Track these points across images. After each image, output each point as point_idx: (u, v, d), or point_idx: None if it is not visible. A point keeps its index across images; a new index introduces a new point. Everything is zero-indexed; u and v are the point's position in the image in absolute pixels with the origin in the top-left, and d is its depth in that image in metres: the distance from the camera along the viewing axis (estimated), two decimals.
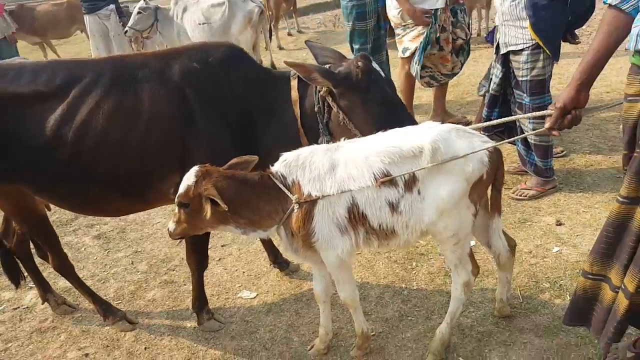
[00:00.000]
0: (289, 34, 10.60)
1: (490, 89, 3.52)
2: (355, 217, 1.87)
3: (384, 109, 2.03)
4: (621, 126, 1.78)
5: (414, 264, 2.86)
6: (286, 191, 1.89)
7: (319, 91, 2.08)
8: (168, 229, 1.97)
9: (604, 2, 1.72)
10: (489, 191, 2.05)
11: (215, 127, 2.13)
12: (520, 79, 3.21)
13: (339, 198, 1.85)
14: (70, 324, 2.71)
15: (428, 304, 2.54)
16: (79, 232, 3.67)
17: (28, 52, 10.83)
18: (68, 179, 2.14)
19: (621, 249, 1.65)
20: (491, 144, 1.90)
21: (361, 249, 2.07)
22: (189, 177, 1.85)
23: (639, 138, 1.60)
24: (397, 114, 2.08)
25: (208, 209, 1.82)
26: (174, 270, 3.09)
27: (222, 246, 3.28)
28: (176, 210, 1.92)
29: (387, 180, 1.81)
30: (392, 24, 4.37)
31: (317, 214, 1.87)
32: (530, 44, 3.09)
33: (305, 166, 1.89)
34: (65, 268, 2.56)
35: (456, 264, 2.02)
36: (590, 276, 1.78)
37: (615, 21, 1.67)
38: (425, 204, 1.86)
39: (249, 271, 2.99)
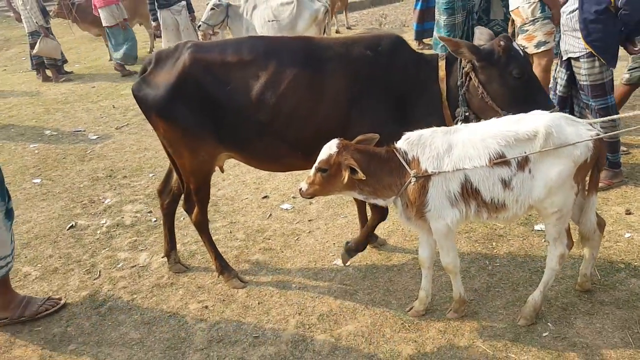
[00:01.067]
0: (337, 32, 10.80)
1: (557, 91, 3.76)
2: (469, 192, 2.14)
3: (520, 83, 2.29)
4: None
5: (494, 244, 3.11)
6: (406, 166, 2.17)
7: (464, 67, 2.36)
8: (300, 189, 2.28)
9: None
10: None
11: (378, 103, 2.48)
12: (581, 83, 3.46)
13: (454, 175, 2.12)
14: (186, 281, 3.06)
15: (512, 278, 2.79)
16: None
17: (87, 42, 11.43)
18: (263, 136, 2.53)
19: None
20: (595, 132, 2.15)
21: (470, 220, 2.33)
22: (331, 147, 2.16)
23: None
24: (533, 88, 2.33)
25: (346, 176, 2.13)
26: (269, 239, 3.41)
27: (309, 220, 3.60)
28: (312, 174, 2.22)
29: (500, 161, 2.06)
30: (518, 20, 4.21)
31: (432, 187, 2.15)
32: (585, 52, 3.33)
33: (425, 145, 2.17)
34: (204, 224, 2.93)
35: (555, 237, 2.28)
36: None
37: None
38: (536, 182, 2.11)
39: (339, 243, 3.29)
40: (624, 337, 2.32)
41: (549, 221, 2.26)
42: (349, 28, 11.55)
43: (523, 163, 2.10)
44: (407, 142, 2.21)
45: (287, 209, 3.78)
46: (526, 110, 2.16)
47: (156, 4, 7.48)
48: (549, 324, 2.44)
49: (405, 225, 2.51)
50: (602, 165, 2.31)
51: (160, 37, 8.04)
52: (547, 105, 2.23)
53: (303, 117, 2.48)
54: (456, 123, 2.39)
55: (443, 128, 2.24)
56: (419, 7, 7.68)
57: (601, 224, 2.44)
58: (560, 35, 3.73)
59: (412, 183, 2.16)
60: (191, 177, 2.73)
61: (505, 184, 2.11)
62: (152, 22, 7.93)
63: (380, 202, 2.33)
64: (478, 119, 2.40)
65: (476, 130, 2.17)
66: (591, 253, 2.49)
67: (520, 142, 2.08)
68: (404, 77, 2.51)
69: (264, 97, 2.44)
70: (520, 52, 2.35)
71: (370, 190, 2.26)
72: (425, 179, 2.15)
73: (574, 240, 2.43)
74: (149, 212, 3.93)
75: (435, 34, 5.07)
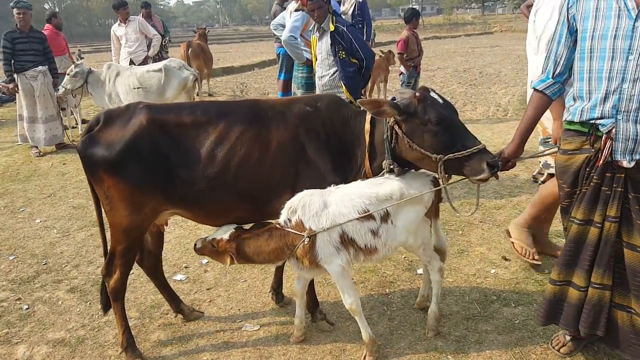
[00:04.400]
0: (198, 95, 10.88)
1: None
2: (346, 241, 2.52)
3: (442, 128, 2.46)
4: (556, 172, 2.51)
5: (387, 290, 3.39)
6: (294, 232, 2.51)
7: (388, 122, 2.58)
8: (195, 245, 2.66)
9: (533, 87, 2.48)
10: None
11: (321, 156, 2.63)
12: None
13: (333, 229, 2.49)
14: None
15: (410, 319, 3.06)
16: (48, 288, 3.60)
17: None
18: (210, 190, 2.57)
19: (581, 258, 2.34)
20: (432, 177, 2.67)
21: (352, 263, 2.61)
22: (225, 233, 2.57)
23: (583, 178, 2.30)
24: (456, 130, 2.51)
25: (228, 261, 2.59)
26: (167, 313, 3.22)
27: (207, 289, 3.50)
28: (205, 242, 2.63)
29: (366, 216, 2.49)
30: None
31: (318, 241, 2.50)
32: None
33: (305, 207, 2.50)
34: (121, 292, 2.80)
35: (428, 260, 2.82)
36: (558, 283, 2.45)
37: (541, 101, 2.45)
38: (398, 229, 2.59)
39: (244, 308, 3.26)
40: (510, 358, 2.69)
41: (418, 252, 2.82)
42: (210, 95, 11.71)
43: (385, 216, 2.55)
44: (289, 210, 2.53)
45: (181, 280, 3.64)
46: (455, 150, 2.43)
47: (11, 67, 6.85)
48: (449, 356, 2.72)
49: (302, 275, 2.70)
50: (440, 199, 2.79)
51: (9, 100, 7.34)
52: (473, 144, 2.44)
53: (252, 171, 2.60)
54: (382, 174, 2.62)
55: (319, 190, 2.55)
56: (282, 77, 8.21)
57: (443, 253, 2.93)
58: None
59: (306, 243, 2.49)
60: (124, 236, 2.64)
61: (374, 233, 2.54)
62: (7, 84, 7.15)
63: (276, 264, 2.77)
64: (402, 170, 2.63)
65: (346, 191, 2.55)
66: (430, 275, 2.91)
67: (381, 200, 2.52)
68: (341, 131, 2.72)
69: (215, 153, 2.55)
70: (438, 99, 2.52)
71: (263, 259, 2.62)
72: (309, 237, 2.49)
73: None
74: (17, 300, 3.44)
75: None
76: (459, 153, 2.42)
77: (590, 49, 2.18)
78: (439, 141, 2.44)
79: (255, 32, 54.11)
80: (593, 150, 2.26)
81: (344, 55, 4.38)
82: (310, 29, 4.83)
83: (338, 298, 2.99)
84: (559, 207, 2.55)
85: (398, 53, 7.04)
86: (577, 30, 2.26)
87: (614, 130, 2.16)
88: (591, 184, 2.27)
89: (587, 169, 2.28)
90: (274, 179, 2.64)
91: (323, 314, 3.06)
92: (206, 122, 2.61)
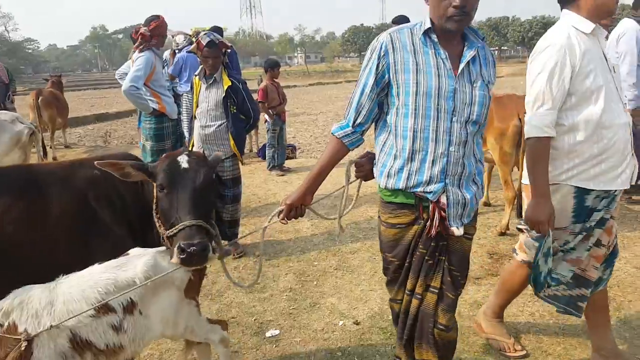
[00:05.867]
0: (54, 158, 9.60)
1: None
2: (81, 345, 1.98)
3: (164, 195, 2.13)
4: (381, 245, 2.31)
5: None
6: (7, 336, 1.90)
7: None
8: None
9: (332, 132, 2.23)
10: None
11: (117, 224, 2.28)
12: (225, 177, 4.51)
13: (60, 332, 1.94)
14: None
15: None
16: None
17: None
18: None
19: (409, 329, 2.24)
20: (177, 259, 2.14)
21: None
22: None
23: (413, 249, 2.16)
24: (177, 201, 2.11)
25: None
26: None
27: None
28: None
29: (103, 310, 1.98)
30: None
31: (36, 349, 1.91)
32: (231, 154, 4.50)
33: (23, 306, 1.95)
34: None
35: (206, 337, 2.41)
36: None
37: (337, 147, 2.21)
38: (151, 319, 2.13)
39: None
40: None
41: (189, 337, 2.37)
42: (67, 147, 10.75)
43: (130, 307, 2.08)
44: (2, 312, 1.95)
45: None
46: (171, 224, 2.10)
47: None
48: None
49: None
50: (204, 274, 2.47)
51: None
52: (186, 218, 2.05)
53: (28, 252, 2.19)
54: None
55: (43, 285, 2.05)
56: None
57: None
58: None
59: (22, 349, 1.87)
60: None
61: (117, 328, 2.04)
62: None
63: None
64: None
65: (77, 281, 2.07)
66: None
67: (121, 287, 2.04)
68: (140, 192, 2.40)
69: None
70: (182, 164, 2.17)
71: None
72: (27, 341, 1.89)
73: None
74: None
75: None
76: (171, 230, 2.07)
77: (415, 105, 2.01)
78: (162, 211, 2.15)
79: None
80: (423, 220, 2.12)
81: (234, 111, 4.46)
82: (196, 72, 4.63)
83: None
84: (385, 281, 2.36)
85: (259, 102, 7.01)
86: (388, 82, 2.06)
87: (443, 196, 2.05)
88: (417, 254, 2.16)
89: (417, 239, 2.15)
90: (59, 258, 2.25)
91: None
92: None
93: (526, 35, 62.72)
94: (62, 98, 10.37)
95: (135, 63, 5.00)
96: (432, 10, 2.02)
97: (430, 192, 2.06)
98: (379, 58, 2.06)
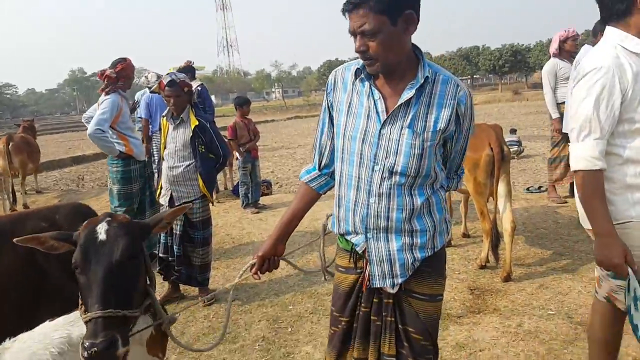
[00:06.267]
0: (25, 205, 8.92)
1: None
2: None
3: (79, 275, 1.80)
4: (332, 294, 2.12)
5: None
6: None
7: None
8: None
9: (299, 177, 2.17)
10: None
11: (68, 281, 2.03)
12: (194, 220, 4.39)
13: None
14: None
15: None
16: None
17: None
18: None
19: None
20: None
21: None
22: None
23: (354, 304, 1.94)
24: (90, 284, 1.76)
25: None
26: None
27: None
28: None
29: None
30: None
31: None
32: (200, 195, 4.36)
33: None
34: None
35: None
36: None
37: (306, 193, 2.09)
38: None
39: None
40: None
41: None
42: (39, 192, 10.48)
43: None
44: None
45: None
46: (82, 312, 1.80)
47: None
48: None
49: None
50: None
51: None
52: (93, 309, 1.68)
53: None
54: None
55: None
56: None
57: None
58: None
59: None
60: None
61: None
62: None
63: None
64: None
65: (27, 342, 1.81)
66: None
67: (75, 345, 1.78)
68: None
69: None
70: (99, 235, 1.80)
71: None
72: None
73: None
74: None
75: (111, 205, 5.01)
76: (84, 317, 1.71)
77: (342, 149, 1.88)
78: (80, 291, 1.80)
79: None
80: (359, 270, 1.94)
81: (203, 150, 4.33)
82: (164, 113, 4.53)
83: None
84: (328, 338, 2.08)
85: (228, 139, 6.89)
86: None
87: (366, 250, 1.87)
88: (360, 313, 1.94)
89: (358, 294, 1.95)
90: (4, 321, 2.08)
91: None
92: None
93: (497, 64, 64.36)
94: (34, 143, 10.17)
95: (101, 106, 4.89)
96: None
97: (355, 244, 1.90)
98: (327, 95, 1.98)
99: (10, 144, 9.18)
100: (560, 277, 4.33)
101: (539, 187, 7.54)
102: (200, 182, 4.35)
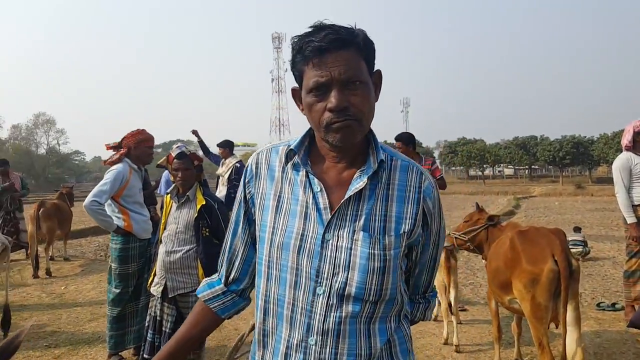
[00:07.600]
0: (48, 272, 8.63)
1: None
2: None
3: None
4: None
5: None
6: None
7: None
8: None
9: (196, 292, 1.58)
10: None
11: None
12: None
13: None
14: None
15: None
16: None
17: None
18: None
19: None
20: None
21: None
22: None
23: None
24: None
25: None
26: None
27: None
28: None
29: None
30: None
31: None
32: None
33: None
34: None
35: None
36: None
37: (204, 316, 1.50)
38: None
39: None
40: None
41: None
42: (67, 259, 10.28)
43: None
44: None
45: None
46: None
47: None
48: None
49: None
50: None
51: None
52: None
53: None
54: None
55: None
56: None
57: None
58: None
59: None
60: None
61: None
62: None
63: None
64: None
65: None
66: None
67: None
68: None
69: None
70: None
71: None
72: None
73: None
74: None
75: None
76: None
77: (269, 260, 1.31)
78: None
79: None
80: None
81: (207, 234, 3.76)
82: (168, 190, 4.10)
83: None
84: None
85: None
86: (255, 219, 1.41)
87: None
88: None
89: None
90: None
91: None
92: None
93: (557, 155, 62.05)
94: (67, 209, 10.20)
95: (104, 177, 4.47)
96: (308, 118, 1.30)
97: None
98: (244, 185, 1.43)
99: (41, 209, 9.22)
100: None
101: (613, 304, 6.22)
102: (201, 270, 3.74)
